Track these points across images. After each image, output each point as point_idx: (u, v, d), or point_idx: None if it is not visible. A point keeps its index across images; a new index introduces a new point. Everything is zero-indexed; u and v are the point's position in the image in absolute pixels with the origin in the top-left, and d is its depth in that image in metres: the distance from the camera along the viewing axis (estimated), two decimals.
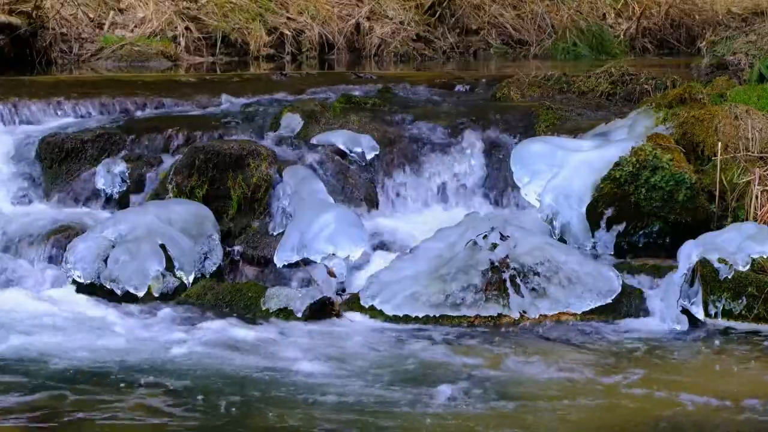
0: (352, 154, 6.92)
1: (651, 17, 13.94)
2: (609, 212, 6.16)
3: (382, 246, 6.34)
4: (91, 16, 11.94)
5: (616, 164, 6.17)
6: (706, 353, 5.31)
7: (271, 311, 5.79)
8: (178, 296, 6.04)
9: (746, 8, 14.13)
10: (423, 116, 7.33)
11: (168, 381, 4.84)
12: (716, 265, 5.66)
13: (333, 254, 6.02)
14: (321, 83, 8.47)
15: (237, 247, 6.35)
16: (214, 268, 6.24)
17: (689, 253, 5.70)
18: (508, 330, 5.63)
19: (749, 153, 6.43)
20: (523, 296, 5.72)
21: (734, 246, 5.66)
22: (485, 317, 5.71)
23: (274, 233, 6.33)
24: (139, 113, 7.62)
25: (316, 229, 6.05)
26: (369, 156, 6.92)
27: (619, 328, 5.65)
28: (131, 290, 5.98)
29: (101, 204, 6.82)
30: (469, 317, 5.70)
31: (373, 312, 5.76)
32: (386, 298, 5.77)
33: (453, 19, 13.65)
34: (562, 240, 6.17)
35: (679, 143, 6.42)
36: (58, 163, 6.97)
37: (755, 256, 5.65)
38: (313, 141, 7.01)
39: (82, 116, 7.57)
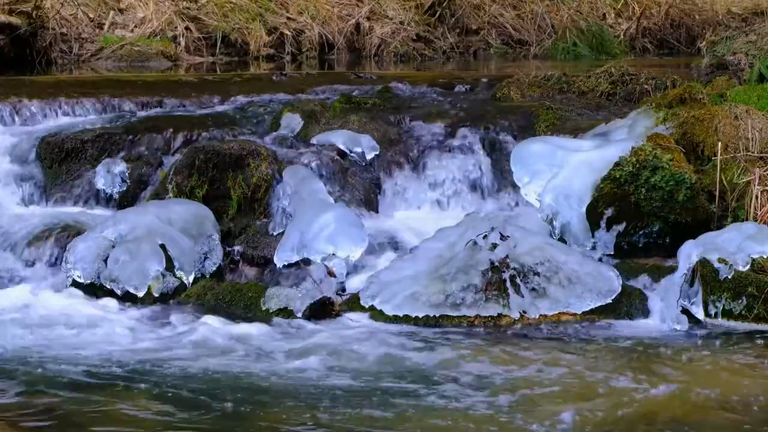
0: (352, 154, 6.92)
1: (651, 17, 13.95)
2: (609, 212, 6.16)
3: (382, 246, 6.34)
4: (91, 16, 11.95)
5: (616, 164, 6.16)
6: (706, 353, 5.31)
7: (271, 311, 5.80)
8: (178, 296, 6.04)
9: (746, 8, 14.14)
10: (423, 116, 7.33)
11: (168, 381, 4.84)
12: (716, 265, 5.66)
13: (333, 254, 6.02)
14: (321, 83, 8.47)
15: (237, 247, 6.35)
16: (214, 268, 6.24)
17: (689, 253, 5.70)
18: (508, 330, 5.63)
19: (749, 153, 6.43)
20: (523, 296, 5.72)
21: (734, 246, 5.66)
22: (485, 317, 5.71)
23: (274, 233, 6.33)
24: (139, 113, 7.62)
25: (316, 229, 6.05)
26: (369, 156, 6.92)
27: (619, 328, 5.65)
28: (131, 290, 5.98)
29: (101, 204, 6.82)
30: (469, 317, 5.70)
31: (373, 312, 5.76)
32: (386, 298, 5.77)
33: (453, 19, 13.65)
34: (562, 240, 6.17)
35: (679, 143, 6.42)
36: (58, 163, 6.97)
37: (755, 256, 5.65)
38: (313, 141, 7.02)
39: (82, 116, 7.57)
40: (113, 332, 5.52)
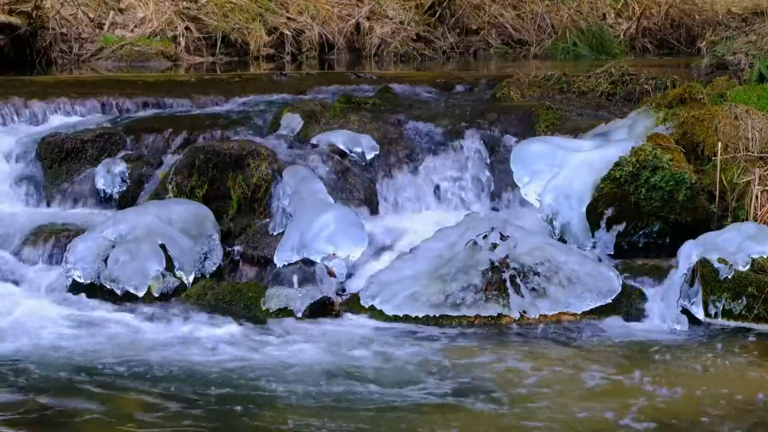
0: (352, 154, 6.92)
1: (651, 17, 13.95)
2: (609, 212, 6.16)
3: (382, 246, 6.34)
4: (91, 16, 11.95)
5: (616, 164, 6.16)
6: (706, 353, 5.31)
7: (271, 311, 5.80)
8: (178, 296, 6.04)
9: (746, 8, 14.13)
10: (423, 116, 7.33)
11: (168, 381, 4.84)
12: (716, 265, 5.66)
13: (333, 254, 6.02)
14: (321, 83, 8.47)
15: (237, 247, 6.35)
16: (214, 268, 6.24)
17: (689, 253, 5.70)
18: (508, 330, 5.63)
19: (749, 153, 6.43)
20: (523, 296, 5.72)
21: (734, 246, 5.66)
22: (485, 317, 5.71)
23: (274, 233, 6.33)
24: (139, 113, 7.62)
25: (316, 229, 6.05)
26: (369, 156, 6.92)
27: (619, 328, 5.65)
28: (131, 290, 5.98)
29: (101, 204, 6.82)
30: (469, 317, 5.70)
31: (373, 312, 5.76)
32: (386, 298, 5.77)
33: (453, 19, 13.65)
34: (562, 240, 6.17)
35: (679, 143, 6.42)
36: (58, 163, 6.97)
37: (755, 256, 5.65)
38: (313, 141, 7.02)
39: (82, 116, 7.57)
40: (113, 332, 5.52)
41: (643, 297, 5.82)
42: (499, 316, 5.71)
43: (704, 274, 5.66)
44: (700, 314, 5.66)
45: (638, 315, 5.76)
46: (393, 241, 6.39)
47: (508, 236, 5.84)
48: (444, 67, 12.19)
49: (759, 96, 6.98)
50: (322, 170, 6.70)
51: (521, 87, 7.94)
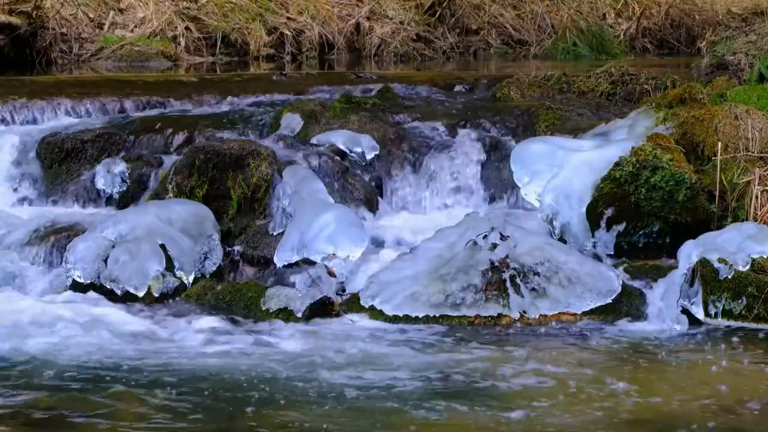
0: (352, 154, 6.92)
1: (651, 17, 13.94)
2: (609, 212, 6.16)
3: (382, 246, 6.34)
4: (91, 16, 11.95)
5: (616, 164, 6.16)
6: (706, 353, 5.31)
7: (271, 311, 5.79)
8: (178, 296, 6.04)
9: (746, 8, 14.13)
10: (423, 116, 7.33)
11: (167, 381, 4.84)
12: (716, 265, 5.66)
13: (333, 254, 6.02)
14: (321, 83, 8.47)
15: (237, 247, 6.35)
16: (214, 268, 6.24)
17: (689, 253, 5.70)
18: (508, 330, 5.63)
19: (749, 153, 6.42)
20: (523, 296, 5.72)
21: (734, 246, 5.66)
22: (485, 317, 5.71)
23: (274, 233, 6.33)
24: (139, 113, 7.62)
25: (316, 229, 6.05)
26: (369, 156, 6.92)
27: (619, 328, 5.65)
28: (131, 290, 5.98)
29: (101, 204, 6.82)
30: (469, 317, 5.70)
31: (373, 312, 5.76)
32: (386, 298, 5.77)
33: (453, 19, 13.65)
34: (562, 240, 6.17)
35: (679, 143, 6.42)
36: (58, 163, 6.97)
37: (755, 256, 5.65)
38: (313, 141, 7.01)
39: (82, 116, 7.57)
40: (113, 332, 5.52)
41: (643, 297, 5.82)
42: (499, 316, 5.70)
43: (704, 274, 5.66)
44: (700, 314, 5.66)
45: (638, 315, 5.76)
46: (393, 241, 6.39)
47: (508, 236, 5.84)
48: (444, 67, 12.19)
49: (759, 96, 6.98)
50: (322, 170, 6.70)
51: (521, 87, 7.94)
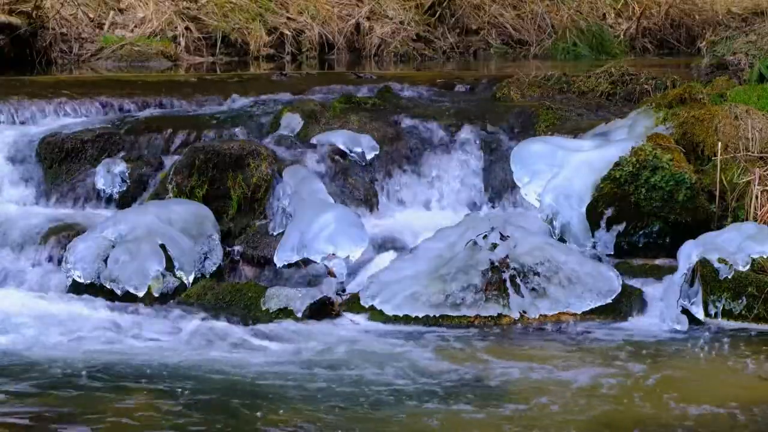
0: (352, 154, 6.92)
1: (651, 17, 13.95)
2: (609, 212, 6.16)
3: (382, 246, 6.34)
4: (91, 16, 11.95)
5: (616, 164, 6.17)
6: (706, 353, 5.31)
7: (271, 311, 5.79)
8: (178, 296, 6.04)
9: (746, 8, 14.13)
10: (423, 116, 7.33)
11: (167, 381, 4.84)
12: (716, 265, 5.66)
13: (333, 254, 6.02)
14: (321, 83, 8.47)
15: (237, 247, 6.35)
16: (214, 268, 6.24)
17: (689, 253, 5.70)
18: (508, 330, 5.63)
19: (749, 153, 6.43)
20: (523, 296, 5.72)
21: (734, 246, 5.66)
22: (485, 317, 5.71)
23: (274, 233, 6.33)
24: (139, 113, 7.62)
25: (316, 229, 6.05)
26: (369, 156, 6.92)
27: (619, 328, 5.65)
28: (131, 290, 5.98)
29: (101, 204, 6.82)
30: (469, 317, 5.70)
31: (373, 312, 5.76)
32: (386, 298, 5.77)
33: (453, 19, 13.65)
34: (562, 240, 6.17)
35: (679, 143, 6.42)
36: (58, 163, 6.97)
37: (755, 256, 5.65)
38: (313, 141, 7.01)
39: (82, 116, 7.57)
40: (113, 332, 5.52)
41: (643, 297, 5.82)
42: (499, 316, 5.70)
43: (704, 274, 5.66)
44: (700, 314, 5.66)
45: (638, 315, 5.76)
46: (393, 241, 6.39)
47: (508, 236, 5.84)
48: (444, 67, 12.19)
49: (759, 96, 6.98)
50: (322, 170, 6.71)
51: (521, 87, 7.94)
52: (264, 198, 6.50)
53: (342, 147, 6.93)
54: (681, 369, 5.06)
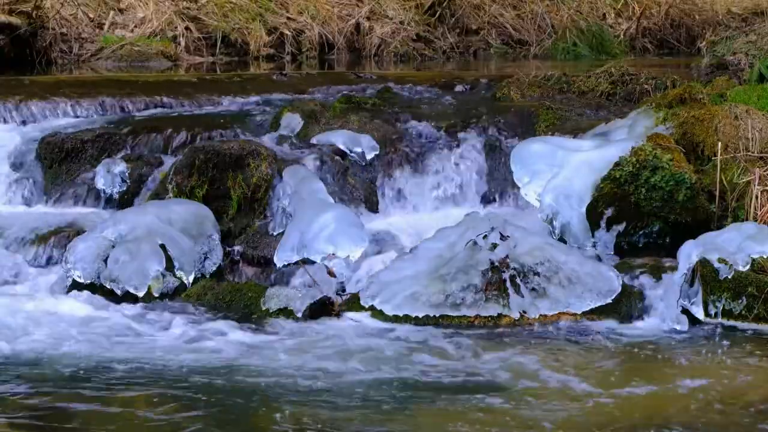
0: (352, 154, 6.92)
1: (651, 17, 13.95)
2: (609, 212, 6.16)
3: (382, 246, 6.34)
4: (91, 16, 11.95)
5: (616, 164, 6.16)
6: (706, 353, 5.31)
7: (271, 311, 5.79)
8: (178, 296, 6.04)
9: (746, 8, 14.14)
10: (423, 116, 7.33)
11: (167, 381, 4.84)
12: (716, 265, 5.66)
13: (333, 254, 6.02)
14: (321, 83, 8.47)
15: (237, 247, 6.35)
16: (214, 268, 6.24)
17: (689, 253, 5.70)
18: (508, 330, 5.63)
19: (749, 153, 6.43)
20: (523, 296, 5.72)
21: (734, 246, 5.66)
22: (485, 317, 5.71)
23: (274, 233, 6.33)
24: (139, 113, 7.62)
25: (316, 229, 6.05)
26: (369, 156, 6.92)
27: (619, 328, 5.65)
28: (131, 290, 5.98)
29: (101, 204, 6.82)
30: (469, 317, 5.70)
31: (373, 312, 5.76)
32: (386, 298, 5.77)
33: (453, 19, 13.66)
34: (562, 240, 6.17)
35: (679, 143, 6.42)
36: (58, 163, 6.98)
37: (755, 256, 5.65)
38: (313, 141, 7.02)
39: (82, 116, 7.58)
40: (113, 332, 5.52)
41: (643, 297, 5.81)
42: (499, 316, 5.70)
43: (704, 274, 5.66)
44: (700, 314, 5.66)
45: (638, 315, 5.76)
46: (393, 241, 6.39)
47: (508, 236, 5.84)
48: (444, 67, 12.19)
49: (759, 96, 6.98)
50: (322, 170, 6.71)
51: (521, 87, 7.94)
52: (264, 198, 6.50)
53: (342, 147, 6.93)
54: (681, 369, 5.05)
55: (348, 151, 6.92)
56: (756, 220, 6.06)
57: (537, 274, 5.77)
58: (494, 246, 5.81)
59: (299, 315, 5.75)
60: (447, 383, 4.83)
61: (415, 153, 6.99)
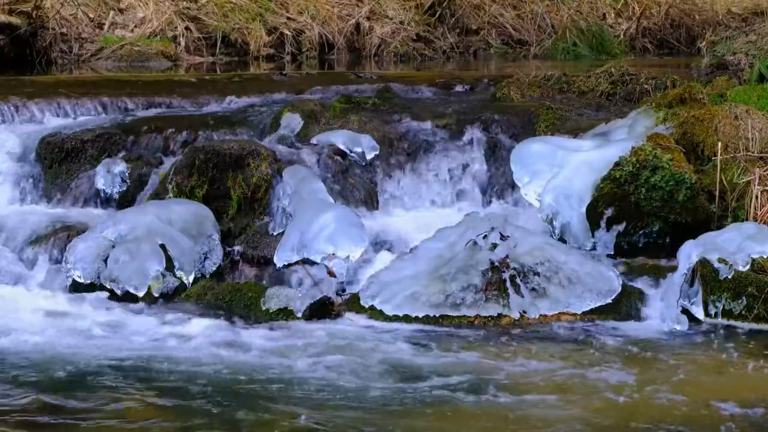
0: (352, 154, 6.92)
1: (651, 17, 13.95)
2: (609, 212, 6.16)
3: (382, 246, 6.34)
4: (91, 16, 11.95)
5: (616, 164, 6.16)
6: (706, 353, 5.31)
7: (271, 311, 5.79)
8: (178, 296, 6.04)
9: (746, 8, 14.14)
10: (423, 116, 7.33)
11: (167, 381, 4.84)
12: (716, 265, 5.66)
13: (333, 254, 6.01)
14: (321, 83, 8.47)
15: (237, 247, 6.35)
16: (214, 268, 6.24)
17: (689, 253, 5.70)
18: (508, 330, 5.63)
19: (749, 153, 6.43)
20: (523, 296, 5.72)
21: (734, 246, 5.66)
22: (485, 317, 5.71)
23: (274, 233, 6.33)
24: (139, 113, 7.62)
25: (316, 229, 6.05)
26: (369, 156, 6.92)
27: (619, 328, 5.65)
28: (131, 290, 5.98)
29: (101, 204, 6.82)
30: (469, 317, 5.70)
31: (373, 312, 5.76)
32: (386, 298, 5.77)
33: (453, 19, 13.65)
34: (562, 240, 6.17)
35: (679, 143, 6.42)
36: (58, 163, 6.97)
37: (755, 256, 5.65)
38: (313, 141, 7.02)
39: (82, 116, 7.57)
40: (113, 332, 5.52)
41: (643, 297, 5.82)
42: (499, 316, 5.70)
43: (704, 274, 5.66)
44: (700, 314, 5.66)
45: (638, 315, 5.76)
46: (393, 241, 6.39)
47: (508, 236, 5.84)
48: (444, 67, 12.19)
49: (759, 96, 6.98)
50: (322, 170, 6.71)
51: (521, 87, 7.94)
52: (264, 198, 6.50)
53: (342, 147, 6.93)
54: (681, 368, 5.05)
55: (348, 151, 6.92)
56: (756, 220, 6.06)
57: (537, 274, 5.77)
58: (494, 246, 5.81)
59: (299, 315, 5.75)
60: (447, 383, 4.83)
61: (414, 153, 6.99)
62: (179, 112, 7.68)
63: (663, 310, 5.71)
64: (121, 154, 6.98)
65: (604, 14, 13.99)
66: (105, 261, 6.06)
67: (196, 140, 7.04)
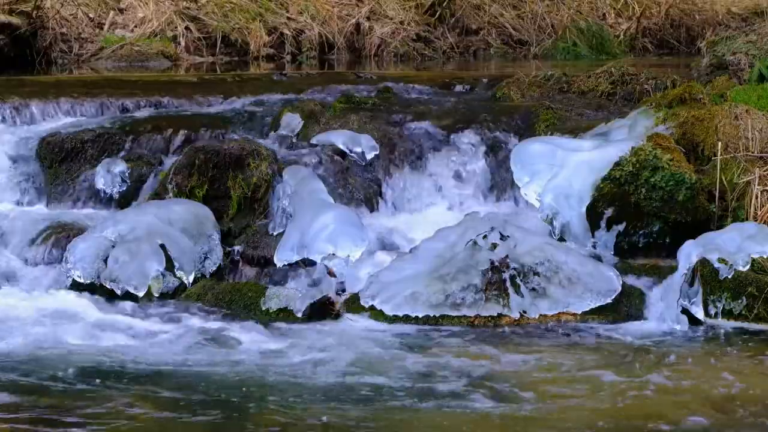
0: (352, 154, 6.92)
1: (651, 17, 13.95)
2: (609, 212, 6.16)
3: (382, 246, 6.34)
4: (91, 16, 11.95)
5: (616, 164, 6.17)
6: (706, 353, 5.31)
7: (271, 311, 5.80)
8: (178, 296, 6.04)
9: (746, 8, 14.14)
10: (423, 116, 7.33)
11: (167, 381, 4.84)
12: (716, 265, 5.66)
13: (333, 254, 6.01)
14: (321, 83, 8.47)
15: (237, 247, 6.35)
16: (214, 268, 6.24)
17: (689, 253, 5.70)
18: (508, 330, 5.63)
19: (749, 153, 6.43)
20: (523, 296, 5.72)
21: (734, 246, 5.66)
22: (485, 317, 5.71)
23: (274, 233, 6.33)
24: (139, 113, 7.62)
25: (316, 229, 6.05)
26: (369, 156, 6.92)
27: (619, 328, 5.65)
28: (131, 290, 5.98)
29: (101, 204, 6.82)
30: (469, 317, 5.70)
31: (373, 312, 5.76)
32: (386, 298, 5.77)
33: (453, 19, 13.66)
34: (562, 240, 6.17)
35: (679, 143, 6.42)
36: (58, 163, 6.97)
37: (755, 256, 5.65)
38: (313, 141, 7.02)
39: (82, 116, 7.57)
40: (113, 332, 5.52)
41: (643, 297, 5.82)
42: (499, 316, 5.70)
43: (704, 274, 5.66)
44: (700, 314, 5.66)
45: (638, 315, 5.76)
46: (393, 241, 6.39)
47: (508, 236, 5.84)
48: (444, 67, 12.19)
49: (759, 96, 6.98)
50: (322, 170, 6.71)
51: (521, 87, 7.94)
52: (264, 198, 6.50)
53: (342, 147, 6.93)
54: (681, 369, 5.05)
55: (348, 151, 6.92)
56: (756, 220, 6.06)
57: (537, 274, 5.77)
58: (494, 246, 5.81)
59: (299, 315, 5.75)
60: (447, 383, 4.83)
61: (414, 153, 6.99)
62: (179, 112, 7.68)
63: (663, 310, 5.71)
64: (121, 154, 6.98)
65: (604, 14, 14.00)
66: (105, 261, 6.06)
67: (196, 140, 7.04)
